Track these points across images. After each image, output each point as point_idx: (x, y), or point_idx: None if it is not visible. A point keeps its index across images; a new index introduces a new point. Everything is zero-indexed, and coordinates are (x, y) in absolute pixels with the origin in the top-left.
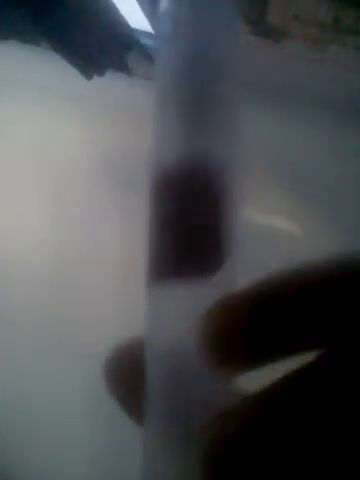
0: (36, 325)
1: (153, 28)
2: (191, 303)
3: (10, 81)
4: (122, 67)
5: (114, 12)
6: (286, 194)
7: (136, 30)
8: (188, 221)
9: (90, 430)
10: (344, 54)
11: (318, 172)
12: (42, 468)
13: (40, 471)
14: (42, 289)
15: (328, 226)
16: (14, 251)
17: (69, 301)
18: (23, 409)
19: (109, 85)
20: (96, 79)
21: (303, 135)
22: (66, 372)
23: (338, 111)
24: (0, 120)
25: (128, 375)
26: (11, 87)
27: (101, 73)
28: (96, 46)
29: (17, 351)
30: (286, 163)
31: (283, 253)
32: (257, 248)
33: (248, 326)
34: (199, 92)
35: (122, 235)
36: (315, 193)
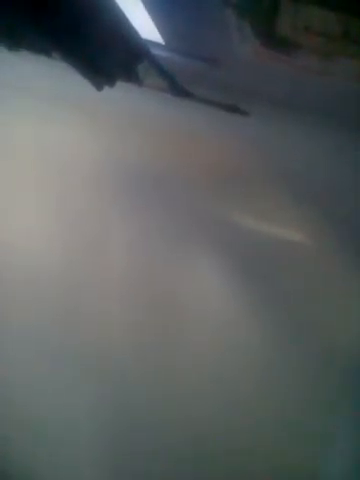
0: (39, 329)
1: (163, 39)
2: None
3: (21, 89)
4: (133, 78)
5: (125, 24)
6: (293, 205)
7: (147, 41)
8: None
9: (94, 432)
10: (354, 66)
11: (325, 183)
12: (43, 468)
13: (41, 470)
14: (46, 293)
15: (332, 234)
16: (19, 256)
17: (73, 305)
18: (26, 413)
19: (119, 95)
20: (107, 89)
21: (313, 147)
22: (69, 375)
23: (349, 123)
24: (8, 127)
25: None
26: (21, 95)
27: (112, 84)
28: (107, 57)
29: (19, 352)
30: (294, 173)
31: (289, 261)
32: (262, 256)
33: None
34: None
35: (124, 240)
36: (321, 203)
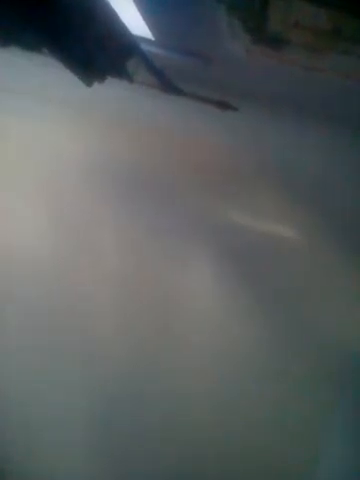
0: (37, 328)
1: (153, 35)
2: None
3: (10, 88)
4: (123, 74)
5: (115, 20)
6: (287, 202)
7: (137, 37)
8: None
9: (89, 429)
10: (344, 62)
11: (317, 180)
12: (42, 467)
13: (40, 469)
14: (42, 292)
15: (327, 233)
16: (13, 256)
17: (70, 304)
18: (24, 410)
19: (109, 92)
20: (96, 85)
21: (306, 143)
22: (67, 374)
23: (339, 119)
24: (1, 127)
25: None
26: (11, 94)
27: (102, 80)
28: (97, 53)
29: (16, 352)
30: (285, 171)
31: (285, 258)
32: (257, 254)
33: None
34: None
35: (117, 239)
36: (315, 200)
